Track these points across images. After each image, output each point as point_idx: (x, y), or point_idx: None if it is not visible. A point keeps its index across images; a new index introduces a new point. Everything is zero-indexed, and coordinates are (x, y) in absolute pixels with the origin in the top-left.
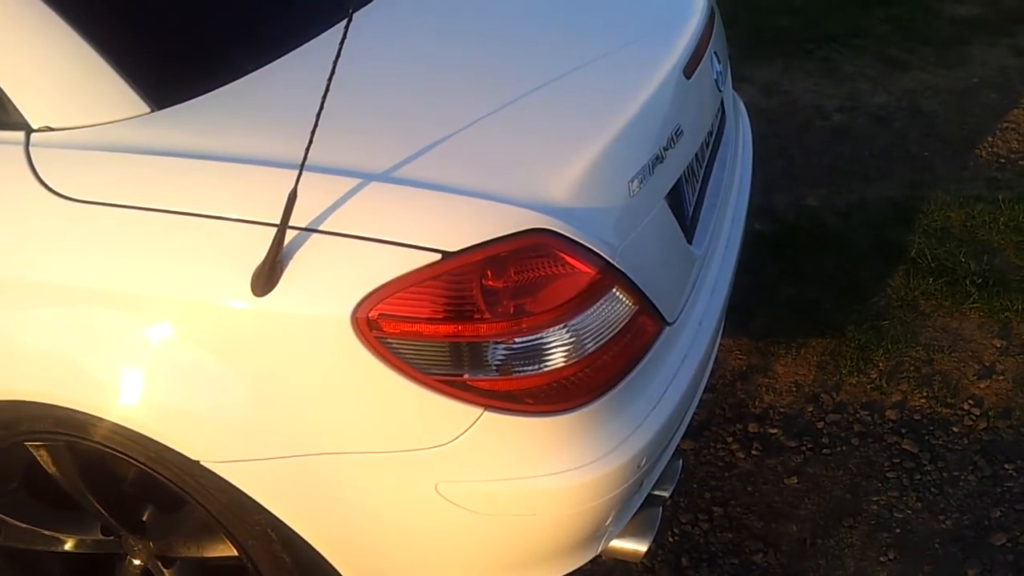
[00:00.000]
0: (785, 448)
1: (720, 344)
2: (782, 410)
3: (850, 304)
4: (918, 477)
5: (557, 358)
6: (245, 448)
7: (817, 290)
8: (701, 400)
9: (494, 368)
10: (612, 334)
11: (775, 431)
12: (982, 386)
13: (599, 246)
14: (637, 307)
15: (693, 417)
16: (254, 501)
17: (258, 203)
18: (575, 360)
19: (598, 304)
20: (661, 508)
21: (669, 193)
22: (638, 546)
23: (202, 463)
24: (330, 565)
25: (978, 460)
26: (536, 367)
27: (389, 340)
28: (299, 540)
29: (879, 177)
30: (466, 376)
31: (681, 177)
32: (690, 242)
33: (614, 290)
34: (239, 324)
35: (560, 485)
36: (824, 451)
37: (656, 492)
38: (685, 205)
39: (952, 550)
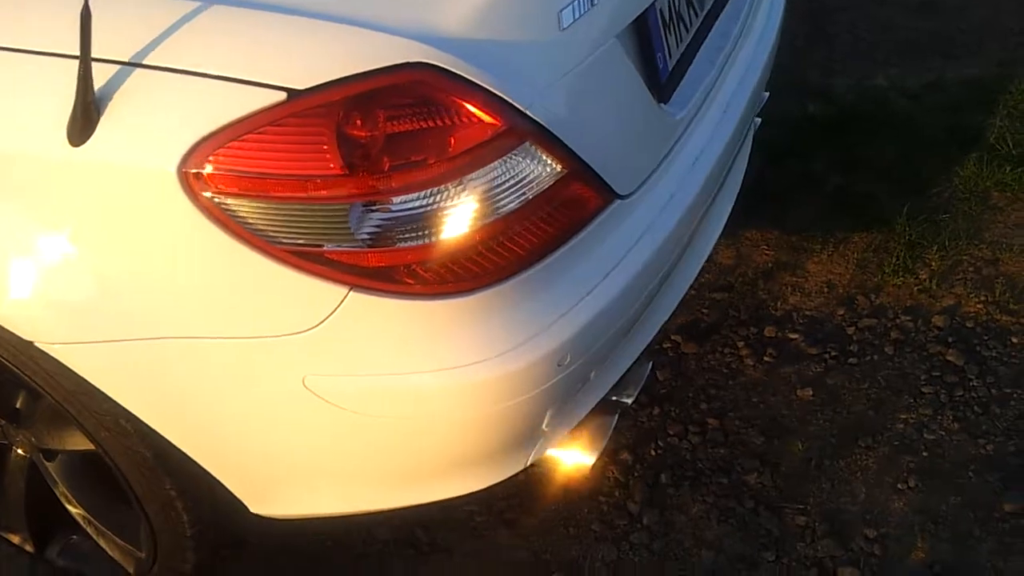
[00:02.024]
0: (804, 356)
1: (743, 237)
2: (808, 313)
3: (907, 196)
4: (960, 394)
5: (446, 227)
6: (81, 329)
7: (871, 180)
8: (713, 300)
9: (361, 238)
10: (524, 201)
11: (795, 336)
12: None
13: (505, 88)
14: (566, 171)
15: (702, 318)
16: (99, 389)
17: (64, 30)
18: (471, 231)
19: (503, 162)
20: (615, 416)
21: (628, 33)
22: (582, 458)
23: (36, 344)
24: (199, 465)
25: None
26: (417, 238)
27: (226, 201)
28: (159, 435)
29: (963, 55)
30: (325, 248)
31: (651, 15)
32: (664, 101)
33: (528, 146)
34: (58, 181)
35: (451, 383)
36: (850, 360)
37: (615, 398)
38: (659, 53)
39: (988, 479)
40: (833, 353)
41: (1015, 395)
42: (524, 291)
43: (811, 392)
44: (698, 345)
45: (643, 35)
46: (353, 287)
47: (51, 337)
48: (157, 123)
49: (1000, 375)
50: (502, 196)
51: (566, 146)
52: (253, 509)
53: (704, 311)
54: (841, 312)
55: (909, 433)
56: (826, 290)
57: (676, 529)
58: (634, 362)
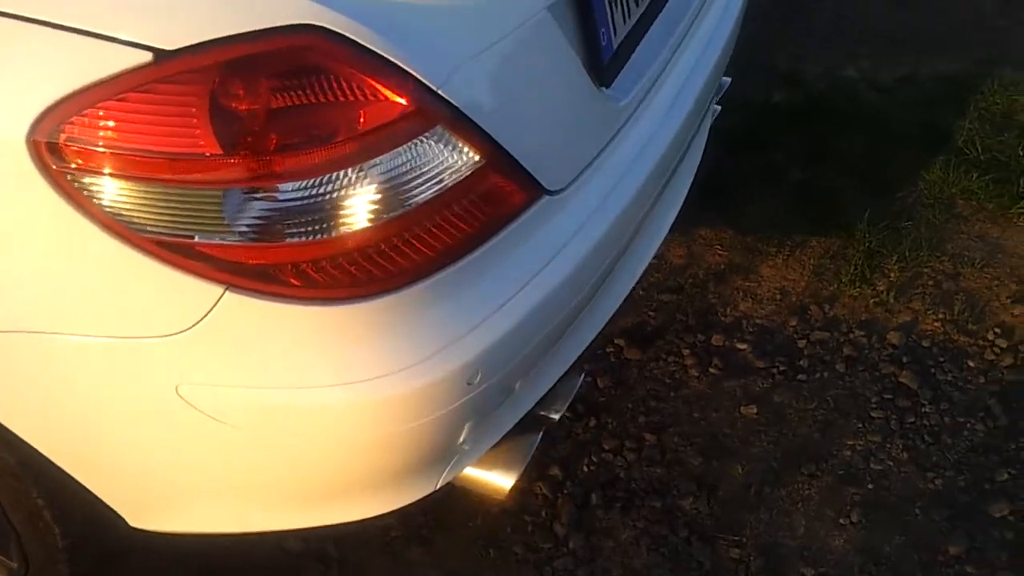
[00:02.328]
0: (751, 369)
1: (697, 235)
2: (758, 321)
3: (871, 196)
4: (911, 420)
5: (341, 222)
6: None
7: (835, 176)
8: (661, 302)
9: (239, 231)
10: (434, 195)
11: (744, 347)
12: (1016, 312)
13: (413, 61)
14: (484, 161)
15: (648, 321)
16: None
17: None
18: (370, 227)
19: (409, 148)
20: (539, 434)
21: (565, 4)
22: (501, 481)
23: None
24: (68, 475)
25: (992, 405)
26: (306, 233)
27: (82, 179)
28: (21, 440)
29: (940, 49)
30: (196, 240)
31: None
32: (605, 84)
33: (439, 130)
34: None
35: (345, 400)
36: (799, 376)
37: (542, 413)
38: (602, 29)
39: (935, 518)
40: (782, 368)
41: (968, 425)
42: (432, 298)
43: (756, 410)
44: (641, 351)
45: (583, 7)
46: (229, 287)
47: None
48: (3, 82)
49: (955, 401)
50: (407, 188)
51: (485, 133)
52: (132, 523)
53: (651, 314)
54: (793, 323)
55: (855, 461)
56: (779, 297)
57: (603, 556)
58: (564, 374)
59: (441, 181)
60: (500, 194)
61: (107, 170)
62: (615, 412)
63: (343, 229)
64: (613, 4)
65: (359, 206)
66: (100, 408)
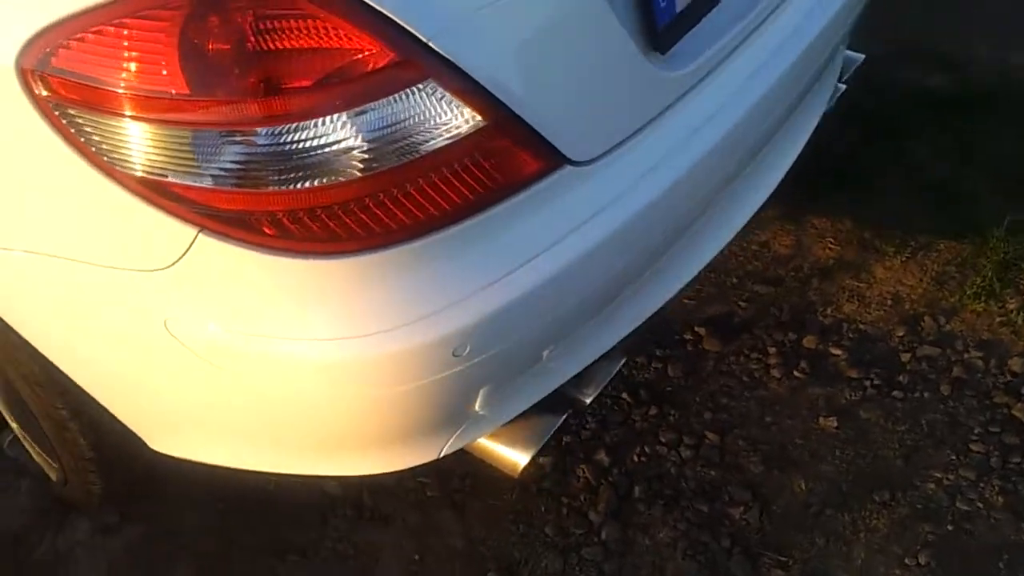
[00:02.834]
0: (841, 378)
1: (809, 223)
2: (861, 327)
3: (1013, 204)
4: (1016, 461)
5: (321, 171)
6: None
7: (979, 178)
8: (755, 293)
9: (211, 174)
10: (425, 152)
11: (838, 352)
12: None
13: (403, 12)
14: (488, 123)
15: (736, 311)
16: None
17: None
18: (352, 179)
19: (397, 99)
20: (564, 415)
21: None
22: (515, 457)
23: None
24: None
25: None
26: (284, 182)
27: (67, 110)
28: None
29: None
30: (169, 179)
31: None
32: (660, 51)
33: (431, 85)
34: None
35: (313, 357)
36: (894, 393)
37: (573, 394)
38: None
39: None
40: (876, 381)
41: None
42: (415, 263)
43: (836, 423)
44: (722, 343)
45: None
46: (203, 230)
47: None
48: None
49: None
50: (395, 142)
51: (488, 93)
52: (151, 445)
53: (741, 304)
54: (900, 333)
55: (939, 497)
56: (889, 303)
57: (635, 552)
58: (603, 356)
59: (434, 139)
60: (508, 159)
61: (86, 103)
62: (680, 404)
63: (323, 180)
64: None
65: (341, 157)
66: (101, 331)
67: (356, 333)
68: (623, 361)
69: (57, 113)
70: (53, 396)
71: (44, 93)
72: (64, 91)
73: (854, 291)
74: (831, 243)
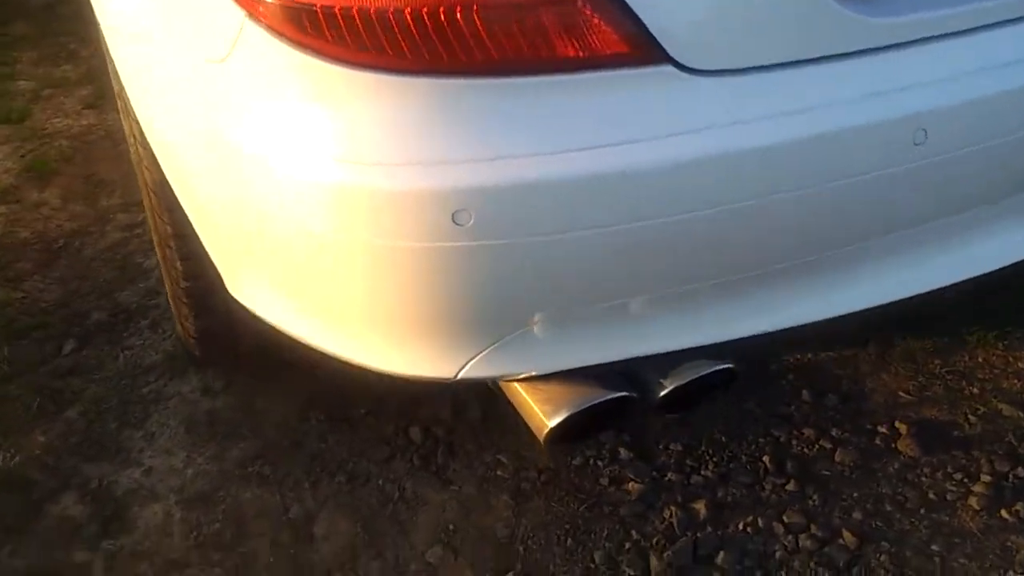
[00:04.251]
0: None
1: None
2: None
3: None
4: None
5: None
6: None
7: None
8: (992, 411)
9: None
10: None
11: None
12: None
13: None
14: None
15: (963, 423)
16: None
17: None
18: None
19: None
20: (614, 396)
21: None
22: (545, 416)
23: None
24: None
25: None
26: None
27: None
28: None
29: None
30: None
31: None
32: None
33: None
34: None
35: (315, 175)
36: None
37: (648, 378)
38: None
39: None
40: None
41: None
42: (447, 101)
43: None
44: (923, 451)
45: None
46: (249, 15)
47: None
48: None
49: None
50: None
51: None
52: (228, 286)
53: (972, 418)
54: None
55: None
56: None
57: None
58: (699, 352)
59: None
60: (590, 29)
61: None
62: (829, 492)
63: None
64: None
65: None
66: (181, 125)
67: (357, 159)
68: (727, 369)
69: None
70: (161, 209)
71: None
72: None
73: None
74: None
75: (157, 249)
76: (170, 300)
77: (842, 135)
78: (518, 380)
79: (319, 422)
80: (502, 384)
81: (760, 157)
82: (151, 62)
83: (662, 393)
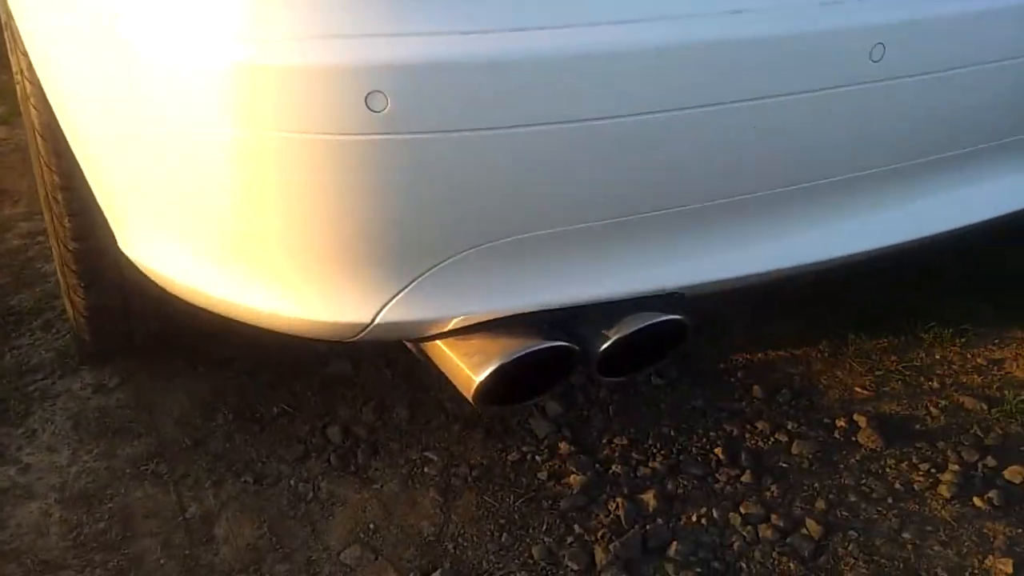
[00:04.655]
0: None
1: None
2: None
3: None
4: None
5: None
6: None
7: None
8: (954, 404)
9: None
10: None
11: None
12: None
13: None
14: None
15: (926, 416)
16: None
17: None
18: None
19: None
20: (554, 344)
21: None
22: (472, 371)
23: None
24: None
25: None
26: None
27: None
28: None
29: None
30: None
31: None
32: None
33: None
34: None
35: (211, 60)
36: None
37: (587, 332)
38: None
39: None
40: None
41: None
42: None
43: (1011, 568)
44: (885, 442)
45: None
46: None
47: None
48: None
49: None
50: None
51: None
52: (119, 240)
53: (933, 411)
54: None
55: None
56: None
57: None
58: (644, 303)
59: None
60: None
61: None
62: (788, 483)
63: None
64: None
65: None
66: (67, 43)
67: (260, 35)
68: (676, 320)
69: None
70: (50, 155)
71: None
72: None
73: None
74: None
75: (44, 209)
76: (59, 273)
77: (790, 40)
78: (443, 336)
79: (226, 421)
80: (426, 348)
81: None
82: None
83: (604, 346)
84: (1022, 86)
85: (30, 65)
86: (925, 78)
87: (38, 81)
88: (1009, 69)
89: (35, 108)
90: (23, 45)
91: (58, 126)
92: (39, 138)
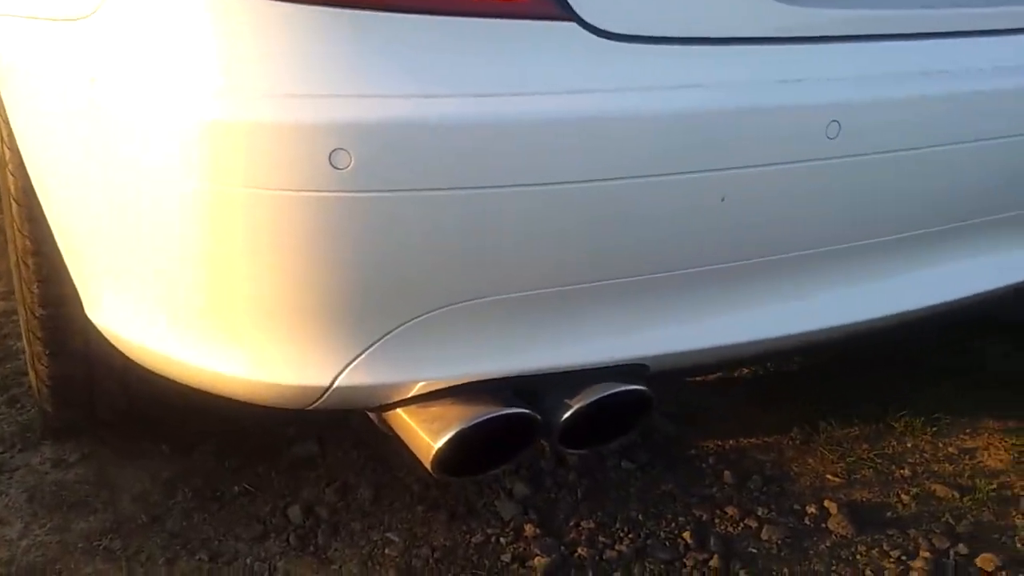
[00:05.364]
0: None
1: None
2: None
3: None
4: None
5: None
6: None
7: None
8: (925, 492)
9: None
10: None
11: None
12: None
13: None
14: None
15: (899, 504)
16: None
17: None
18: None
19: None
20: (515, 410)
21: None
22: (430, 437)
23: None
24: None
25: None
26: None
27: None
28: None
29: None
30: None
31: None
32: None
33: None
34: None
35: (182, 111)
36: None
37: (552, 402)
38: None
39: None
40: None
41: None
42: (340, 31)
43: None
44: (857, 529)
45: None
46: None
47: None
48: None
49: None
50: None
51: None
52: (86, 308)
53: (904, 498)
54: None
55: None
56: None
57: None
58: (605, 373)
59: None
60: None
61: None
62: (759, 569)
63: None
64: None
65: None
66: (40, 104)
67: (230, 87)
68: (639, 391)
69: None
70: (23, 219)
71: None
72: None
73: None
74: None
75: (14, 273)
76: (24, 340)
77: (746, 115)
78: (403, 404)
79: (185, 498)
80: (387, 417)
81: (658, 125)
82: (9, 35)
83: (566, 415)
84: (978, 171)
85: (11, 133)
86: (878, 157)
87: (17, 148)
88: (963, 152)
89: (12, 175)
90: (4, 113)
91: (33, 192)
92: (14, 204)
